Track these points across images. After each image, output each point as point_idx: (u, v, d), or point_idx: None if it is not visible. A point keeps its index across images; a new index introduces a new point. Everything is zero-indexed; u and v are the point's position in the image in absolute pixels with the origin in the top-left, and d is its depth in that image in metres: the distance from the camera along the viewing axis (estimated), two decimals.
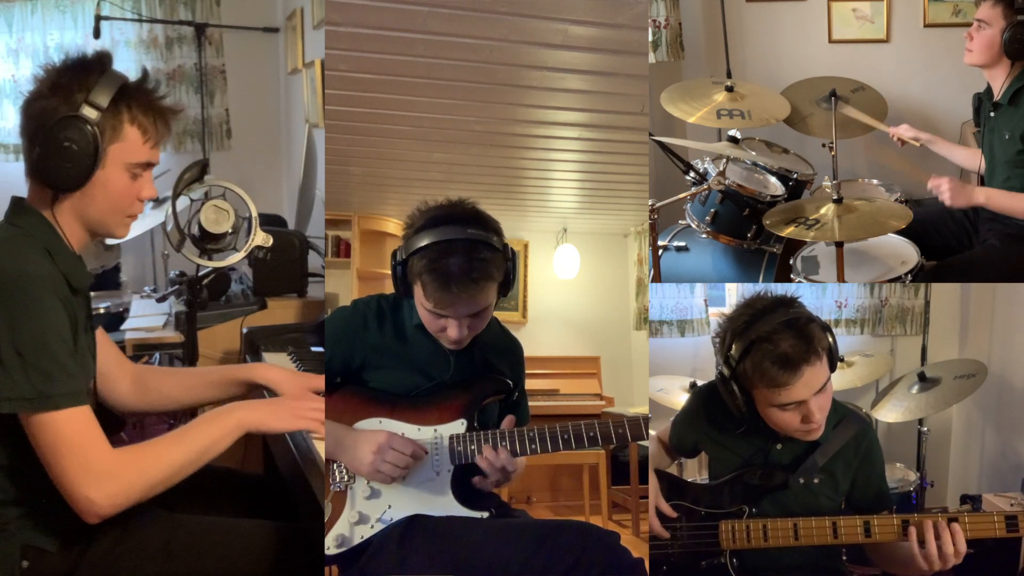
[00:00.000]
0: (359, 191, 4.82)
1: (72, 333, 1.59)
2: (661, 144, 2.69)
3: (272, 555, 1.74)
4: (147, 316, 3.66)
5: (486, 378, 1.87)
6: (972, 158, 2.83)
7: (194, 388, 2.05)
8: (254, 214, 2.37)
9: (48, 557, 1.63)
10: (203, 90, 5.45)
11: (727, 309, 2.76)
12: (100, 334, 1.86)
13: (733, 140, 2.89)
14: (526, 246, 5.78)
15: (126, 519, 1.62)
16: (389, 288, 1.85)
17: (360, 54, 2.90)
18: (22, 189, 1.71)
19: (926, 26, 3.27)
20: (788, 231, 2.44)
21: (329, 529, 1.75)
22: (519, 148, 3.95)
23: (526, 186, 4.71)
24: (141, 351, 3.27)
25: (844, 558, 1.96)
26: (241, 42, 5.57)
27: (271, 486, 2.10)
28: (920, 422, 3.27)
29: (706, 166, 2.83)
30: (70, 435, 1.52)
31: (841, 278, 2.43)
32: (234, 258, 2.43)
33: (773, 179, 2.87)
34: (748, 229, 2.76)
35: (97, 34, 4.99)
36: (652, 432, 2.03)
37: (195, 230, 2.37)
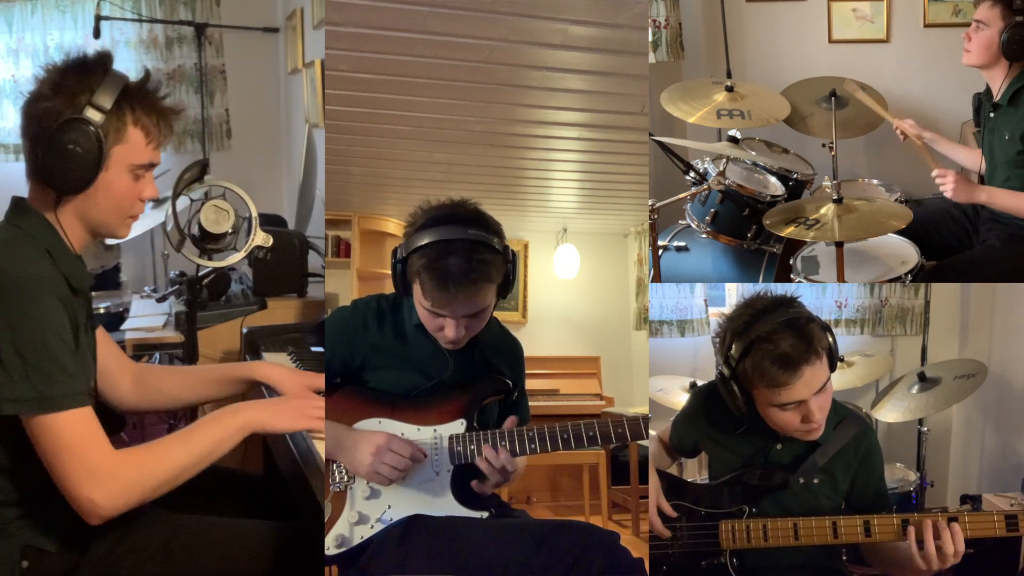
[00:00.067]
0: (359, 191, 4.82)
1: (73, 334, 1.59)
2: (661, 144, 2.69)
3: (272, 555, 1.74)
4: (147, 316, 3.66)
5: (486, 378, 1.87)
6: (973, 158, 2.83)
7: (194, 386, 2.05)
8: (254, 214, 2.37)
9: (48, 557, 1.63)
10: (203, 90, 5.45)
11: (727, 309, 2.75)
12: (100, 332, 1.86)
13: (733, 140, 2.89)
14: (526, 246, 5.79)
15: (126, 519, 1.61)
16: (389, 288, 1.85)
17: (360, 54, 2.90)
18: (22, 189, 1.70)
19: (926, 26, 3.27)
20: (788, 231, 2.44)
21: (329, 529, 1.75)
22: (519, 148, 3.95)
23: (526, 186, 4.71)
24: (141, 351, 3.27)
25: (844, 558, 1.96)
26: (241, 42, 5.57)
27: (271, 486, 2.10)
28: (920, 422, 3.27)
29: (706, 166, 2.83)
30: (71, 436, 1.52)
31: (841, 278, 2.43)
32: (234, 258, 2.43)
33: (773, 179, 2.87)
34: (748, 229, 2.76)
35: (97, 34, 4.99)
36: (652, 432, 2.03)
37: (195, 230, 2.37)
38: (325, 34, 2.79)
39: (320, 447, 1.78)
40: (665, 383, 3.45)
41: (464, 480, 1.77)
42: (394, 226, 5.32)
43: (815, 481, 1.84)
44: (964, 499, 2.93)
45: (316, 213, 4.09)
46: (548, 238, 5.82)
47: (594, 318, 5.88)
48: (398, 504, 1.76)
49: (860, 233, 2.41)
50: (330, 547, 1.74)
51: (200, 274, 2.48)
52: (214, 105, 5.59)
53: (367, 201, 5.08)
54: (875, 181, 3.09)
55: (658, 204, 2.67)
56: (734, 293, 3.79)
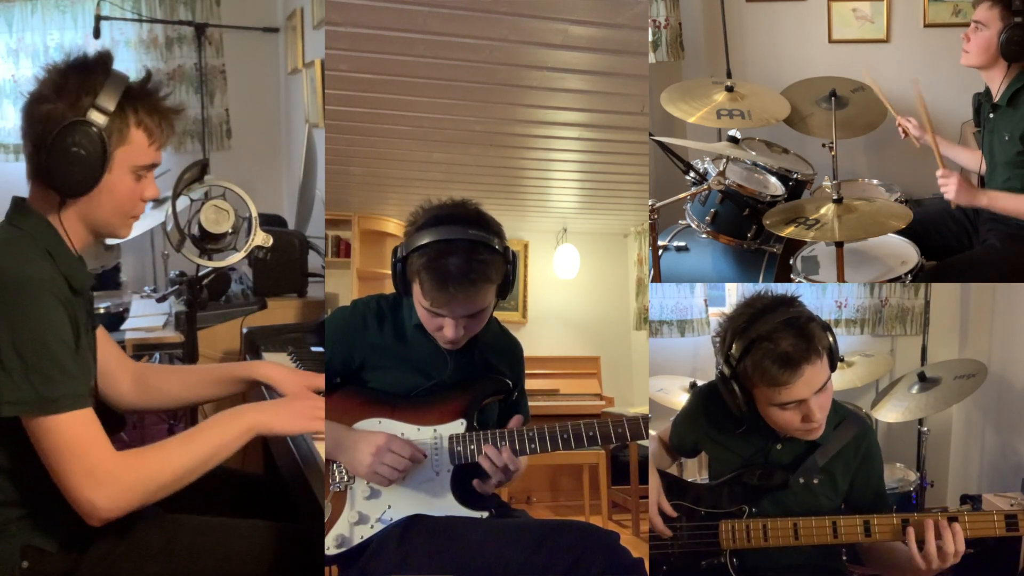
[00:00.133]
0: (359, 191, 4.82)
1: (73, 335, 1.58)
2: (661, 144, 2.69)
3: (272, 555, 1.74)
4: (147, 316, 3.67)
5: (486, 378, 1.87)
6: (973, 158, 2.83)
7: (194, 386, 2.05)
8: (254, 214, 2.37)
9: (48, 557, 1.63)
10: (203, 90, 5.45)
11: (727, 309, 2.76)
12: (100, 332, 1.86)
13: (733, 140, 2.89)
14: (526, 246, 5.79)
15: (127, 520, 1.61)
16: (389, 288, 1.85)
17: (360, 54, 2.90)
18: (22, 189, 1.70)
19: (926, 26, 3.28)
20: (788, 231, 2.44)
21: (329, 529, 1.75)
22: (519, 148, 3.95)
23: (526, 186, 4.71)
24: (141, 351, 3.27)
25: (844, 558, 1.96)
26: (241, 42, 5.58)
27: (271, 486, 2.10)
28: (920, 422, 3.27)
29: (706, 166, 2.83)
30: (72, 438, 1.52)
31: (841, 278, 2.43)
32: (234, 258, 2.43)
33: (773, 179, 2.87)
34: (748, 229, 2.76)
35: (97, 34, 4.99)
36: (652, 432, 2.03)
37: (195, 230, 2.37)
38: (325, 34, 2.79)
39: (320, 447, 1.78)
40: (665, 383, 3.45)
41: (464, 480, 1.77)
42: (394, 226, 5.32)
43: (815, 481, 1.84)
44: (964, 499, 2.93)
45: (316, 213, 4.09)
46: (548, 238, 5.82)
47: (594, 318, 5.89)
48: (398, 504, 1.76)
49: (860, 233, 2.41)
50: (330, 547, 1.74)
51: (200, 274, 2.48)
52: (214, 105, 5.60)
53: (367, 201, 5.08)
54: (875, 181, 3.09)
55: (658, 204, 2.67)
56: (734, 293, 3.79)
